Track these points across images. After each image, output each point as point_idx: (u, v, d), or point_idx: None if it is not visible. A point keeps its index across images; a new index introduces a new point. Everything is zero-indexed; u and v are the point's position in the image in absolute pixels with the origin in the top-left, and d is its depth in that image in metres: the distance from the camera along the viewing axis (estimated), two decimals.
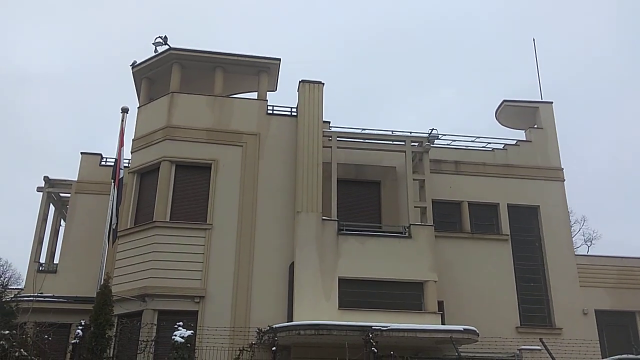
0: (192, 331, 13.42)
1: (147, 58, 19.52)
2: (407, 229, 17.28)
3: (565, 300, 18.54)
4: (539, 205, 19.71)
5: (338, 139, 18.27)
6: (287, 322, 15.65)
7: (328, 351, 13.68)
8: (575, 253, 20.88)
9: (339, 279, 16.31)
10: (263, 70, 19.48)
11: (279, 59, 19.39)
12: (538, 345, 14.93)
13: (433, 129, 18.65)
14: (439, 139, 19.34)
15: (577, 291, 18.76)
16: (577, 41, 68.41)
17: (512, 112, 21.79)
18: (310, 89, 18.65)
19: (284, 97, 21.03)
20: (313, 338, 14.78)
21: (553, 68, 59.45)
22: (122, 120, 16.16)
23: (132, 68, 19.79)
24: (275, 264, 17.03)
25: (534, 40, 22.98)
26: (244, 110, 18.86)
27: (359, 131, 18.90)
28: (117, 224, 15.39)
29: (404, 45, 71.23)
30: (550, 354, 13.46)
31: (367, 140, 18.79)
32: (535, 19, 67.94)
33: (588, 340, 16.81)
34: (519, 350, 16.38)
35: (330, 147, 17.99)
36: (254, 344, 14.92)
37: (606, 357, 15.68)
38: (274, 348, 13.84)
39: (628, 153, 70.82)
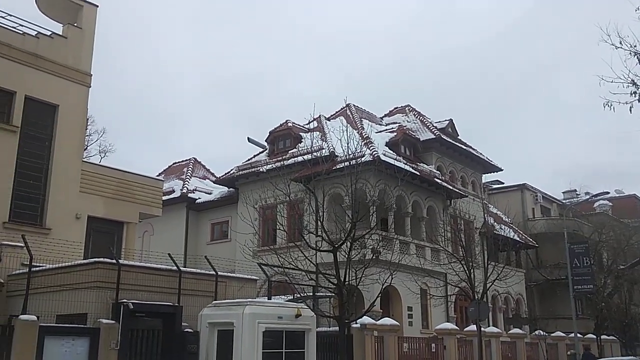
0: None
1: None
2: None
3: (62, 203, 18.60)
4: (58, 105, 19.06)
5: None
6: None
7: None
8: (85, 160, 21.17)
9: None
10: None
11: None
12: (21, 242, 14.56)
13: None
14: None
15: (75, 196, 19.06)
16: None
17: (54, 1, 20.27)
18: None
19: None
20: None
21: None
22: None
23: None
24: None
25: None
26: None
27: None
28: None
29: None
30: (28, 250, 13.33)
31: None
32: None
33: (76, 242, 17.29)
34: (0, 245, 15.67)
35: None
36: None
37: (89, 258, 16.40)
38: None
39: (156, 87, 76.34)
